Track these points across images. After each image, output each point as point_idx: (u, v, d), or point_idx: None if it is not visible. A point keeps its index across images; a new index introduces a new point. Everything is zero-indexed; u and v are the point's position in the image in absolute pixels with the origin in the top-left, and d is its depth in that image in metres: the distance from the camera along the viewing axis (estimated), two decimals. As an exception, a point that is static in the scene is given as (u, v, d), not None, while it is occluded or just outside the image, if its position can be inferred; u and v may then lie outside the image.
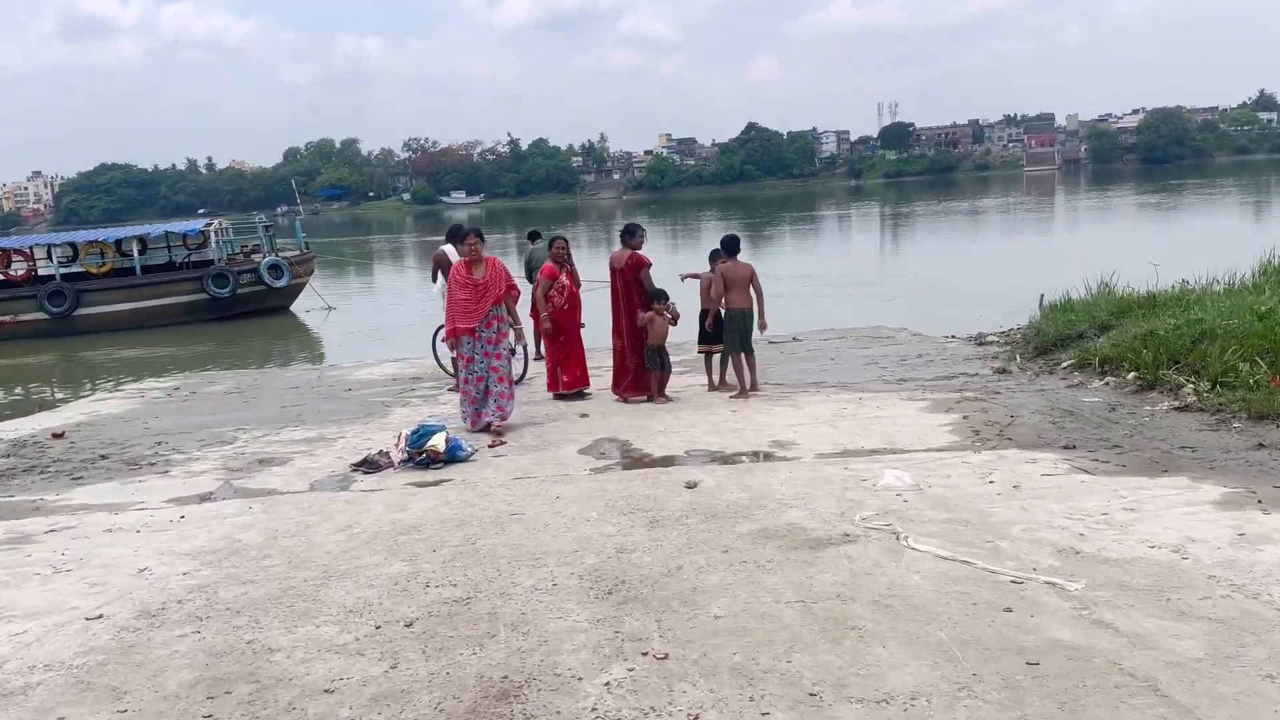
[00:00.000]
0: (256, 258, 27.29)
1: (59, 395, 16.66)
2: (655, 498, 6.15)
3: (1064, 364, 10.09)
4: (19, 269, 25.96)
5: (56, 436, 9.81)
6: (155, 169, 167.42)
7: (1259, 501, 5.37)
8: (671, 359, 10.01)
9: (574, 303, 10.14)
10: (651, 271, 9.84)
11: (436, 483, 6.99)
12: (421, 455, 7.41)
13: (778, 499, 5.95)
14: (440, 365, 11.81)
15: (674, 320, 9.66)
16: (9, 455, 8.93)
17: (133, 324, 24.48)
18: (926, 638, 3.88)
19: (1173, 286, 11.80)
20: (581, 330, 10.24)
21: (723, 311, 9.75)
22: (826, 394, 9.60)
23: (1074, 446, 6.87)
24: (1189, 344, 8.76)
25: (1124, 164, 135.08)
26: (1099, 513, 5.33)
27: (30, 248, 26.82)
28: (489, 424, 8.55)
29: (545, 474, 7.05)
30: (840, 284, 24.12)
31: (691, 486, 6.36)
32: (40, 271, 25.93)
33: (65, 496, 7.30)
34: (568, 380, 10.05)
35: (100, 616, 4.69)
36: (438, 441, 7.42)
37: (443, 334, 9.39)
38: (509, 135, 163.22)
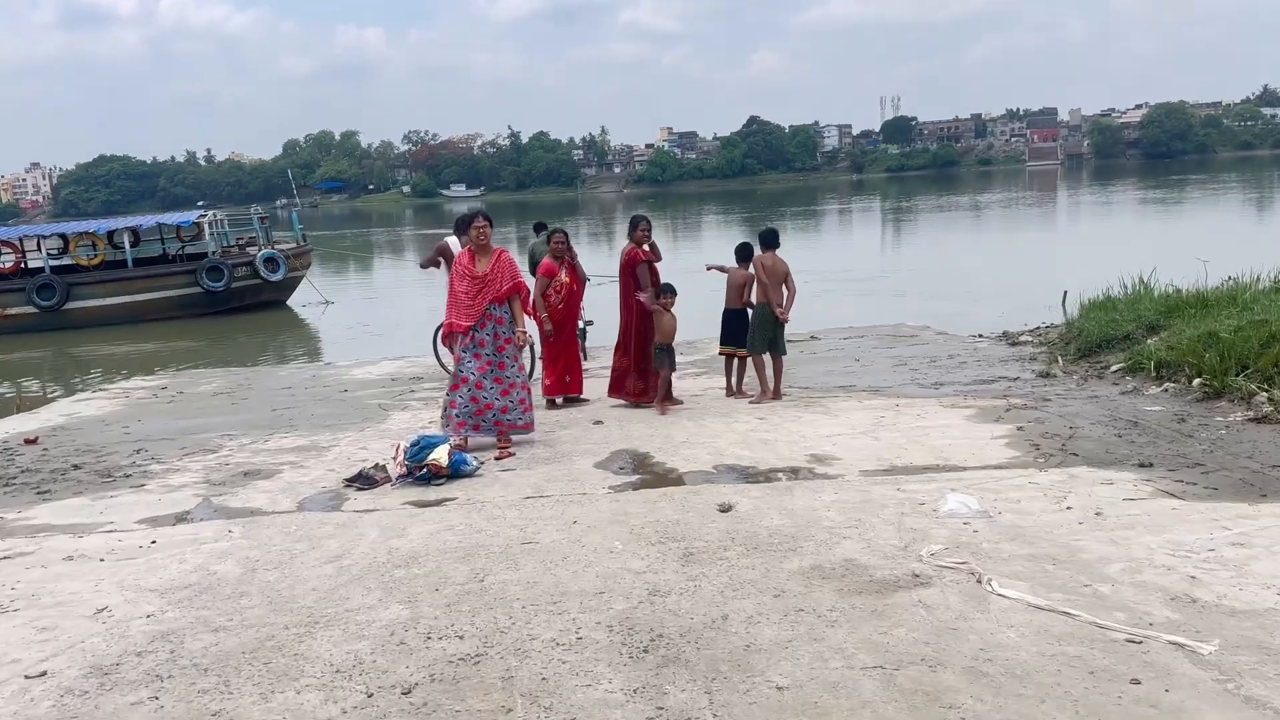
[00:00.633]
0: (252, 250, 26.55)
1: (50, 391, 15.95)
2: (686, 524, 5.43)
3: (1114, 368, 9.37)
4: (7, 261, 25.18)
5: (29, 442, 9.09)
6: (154, 161, 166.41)
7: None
8: (683, 359, 9.29)
9: (574, 301, 9.41)
10: (659, 266, 9.17)
11: (438, 502, 6.26)
12: (422, 470, 6.68)
13: (826, 527, 5.23)
14: (442, 365, 11.12)
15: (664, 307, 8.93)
16: (-27, 465, 8.20)
17: (124, 318, 23.79)
18: None
19: (1223, 284, 11.11)
20: (582, 330, 9.50)
21: (751, 309, 9.07)
22: (859, 399, 8.88)
23: (1150, 464, 6.15)
24: (1257, 348, 8.05)
25: (1127, 159, 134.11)
26: (1204, 548, 4.61)
27: (19, 239, 25.98)
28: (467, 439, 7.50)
29: (559, 492, 6.33)
30: (846, 279, 23.37)
31: (725, 510, 5.64)
32: (29, 264, 25.18)
33: (27, 515, 6.57)
34: (549, 385, 9.34)
35: (43, 674, 3.96)
36: (440, 455, 6.68)
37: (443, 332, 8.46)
38: (509, 128, 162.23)
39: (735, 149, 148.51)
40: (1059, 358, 10.33)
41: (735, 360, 9.39)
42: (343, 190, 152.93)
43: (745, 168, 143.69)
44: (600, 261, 26.00)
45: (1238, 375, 7.83)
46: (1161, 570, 4.37)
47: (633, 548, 5.07)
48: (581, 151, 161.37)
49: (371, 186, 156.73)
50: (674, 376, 9.25)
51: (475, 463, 6.97)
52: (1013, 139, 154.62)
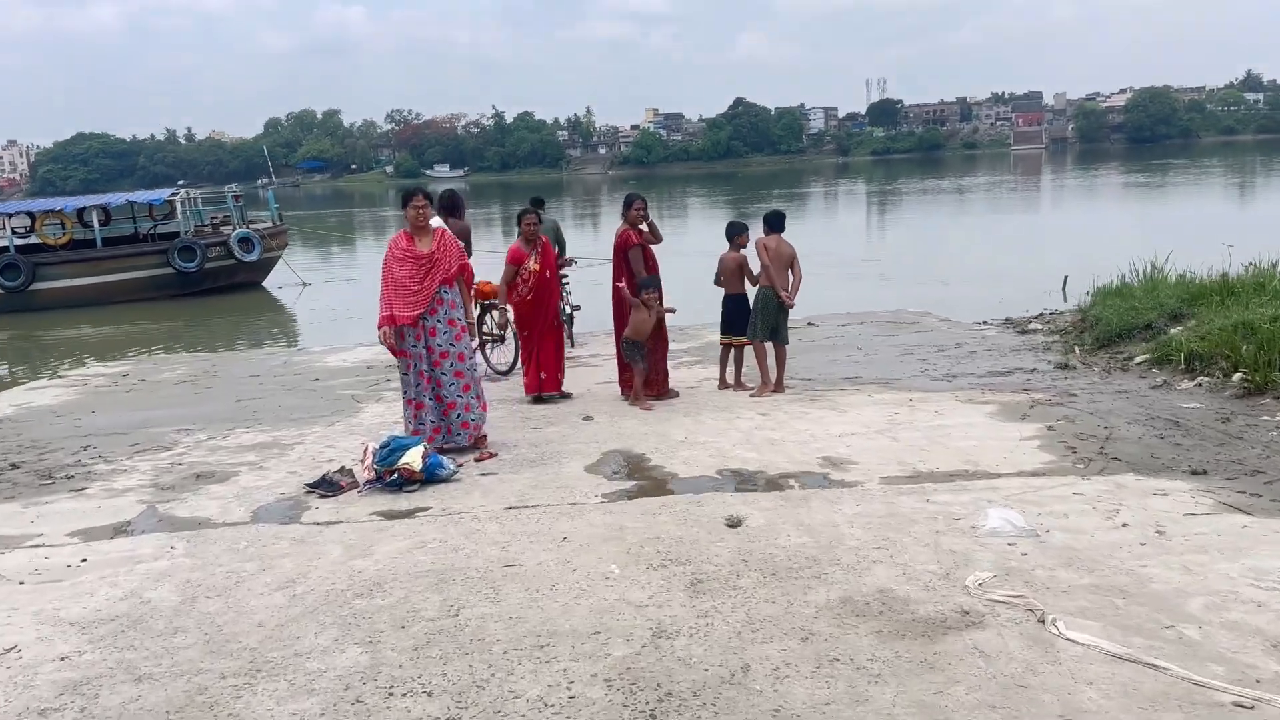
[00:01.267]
0: (226, 230, 25.66)
1: (11, 377, 15.16)
2: (691, 542, 4.77)
3: (1138, 359, 8.76)
4: (-30, 240, 24.23)
5: (-32, 437, 8.36)
6: (134, 139, 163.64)
7: None
8: (675, 346, 8.61)
9: (547, 290, 8.48)
10: (657, 250, 8.51)
11: (410, 513, 5.58)
12: (393, 475, 5.99)
13: (852, 547, 4.58)
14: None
15: (658, 314, 8.24)
16: (-100, 463, 7.46)
17: (93, 299, 22.93)
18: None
19: (1247, 269, 10.50)
20: (569, 316, 8.76)
21: (751, 293, 8.43)
22: (868, 393, 8.24)
23: (1204, 472, 5.53)
24: (1300, 340, 7.44)
25: (1111, 143, 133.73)
26: (1293, 578, 3.99)
27: (-17, 217, 25.04)
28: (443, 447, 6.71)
29: (546, 501, 5.65)
30: (832, 263, 22.73)
31: (734, 525, 4.99)
32: (-6, 243, 24.23)
33: (-52, 524, 5.86)
34: (528, 382, 8.64)
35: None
36: (413, 458, 5.99)
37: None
38: (494, 108, 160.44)
39: (721, 131, 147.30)
40: (1076, 348, 9.73)
41: (734, 350, 8.75)
42: (325, 170, 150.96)
43: (731, 150, 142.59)
44: (585, 244, 25.33)
45: (1280, 370, 7.23)
46: (1252, 608, 3.74)
47: (631, 572, 4.41)
48: (566, 132, 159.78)
49: (354, 166, 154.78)
50: (669, 366, 8.63)
51: (453, 466, 6.28)
52: (998, 122, 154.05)
